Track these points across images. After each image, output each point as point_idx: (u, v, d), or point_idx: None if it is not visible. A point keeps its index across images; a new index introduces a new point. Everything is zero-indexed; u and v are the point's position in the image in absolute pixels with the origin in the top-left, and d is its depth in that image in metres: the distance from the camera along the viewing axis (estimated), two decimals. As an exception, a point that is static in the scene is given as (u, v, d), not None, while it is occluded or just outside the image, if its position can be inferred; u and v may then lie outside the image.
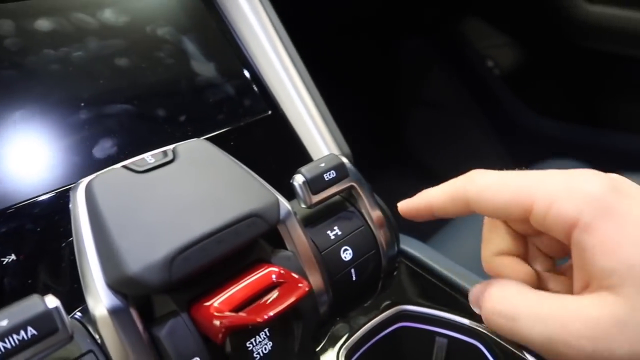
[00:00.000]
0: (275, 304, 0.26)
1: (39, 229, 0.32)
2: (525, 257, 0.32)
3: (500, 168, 0.30)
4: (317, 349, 0.34)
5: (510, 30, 1.28)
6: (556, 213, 0.25)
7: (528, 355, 0.33)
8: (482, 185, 0.28)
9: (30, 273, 0.31)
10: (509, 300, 0.27)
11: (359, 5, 1.15)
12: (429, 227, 0.47)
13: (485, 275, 0.38)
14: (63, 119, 0.37)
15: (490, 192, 0.28)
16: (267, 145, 0.44)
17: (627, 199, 0.24)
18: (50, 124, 0.36)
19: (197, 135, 0.40)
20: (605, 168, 0.31)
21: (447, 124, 1.39)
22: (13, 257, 0.31)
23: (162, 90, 0.42)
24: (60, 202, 0.34)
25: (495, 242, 0.32)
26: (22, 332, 0.23)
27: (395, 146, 1.42)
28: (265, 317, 0.25)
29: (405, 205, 0.34)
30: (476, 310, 0.30)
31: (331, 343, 0.34)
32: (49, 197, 0.34)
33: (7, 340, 0.22)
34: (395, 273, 0.41)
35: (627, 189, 0.25)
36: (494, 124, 1.30)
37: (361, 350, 0.35)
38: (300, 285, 0.27)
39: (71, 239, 0.32)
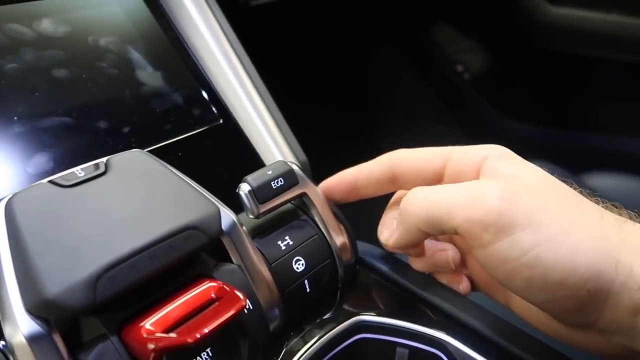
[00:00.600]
0: (208, 322, 0.24)
1: (-38, 253, 0.30)
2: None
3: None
4: (270, 367, 0.32)
5: (477, 34, 1.29)
6: (471, 155, 0.33)
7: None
8: (410, 149, 0.36)
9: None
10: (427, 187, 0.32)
11: (324, 14, 1.15)
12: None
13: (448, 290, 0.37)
14: (-7, 134, 0.35)
15: (416, 152, 0.36)
16: (219, 156, 0.43)
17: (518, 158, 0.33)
18: (-21, 140, 0.34)
19: (142, 146, 0.38)
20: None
21: (419, 130, 1.39)
22: None
23: (104, 101, 0.40)
24: (-13, 222, 0.31)
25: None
26: None
27: (366, 155, 1.41)
28: (197, 335, 0.23)
29: (327, 181, 0.38)
30: (389, 240, 0.35)
31: (285, 357, 0.32)
32: (-26, 218, 0.31)
33: None
34: (354, 283, 0.39)
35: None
36: (465, 129, 1.31)
37: (317, 366, 0.33)
38: (236, 299, 0.25)
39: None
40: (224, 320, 0.24)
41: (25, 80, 0.38)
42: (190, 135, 0.42)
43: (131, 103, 0.41)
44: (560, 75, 1.17)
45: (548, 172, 0.32)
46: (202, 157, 0.42)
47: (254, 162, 0.44)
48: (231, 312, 0.24)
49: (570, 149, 1.11)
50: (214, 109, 0.45)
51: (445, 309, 0.35)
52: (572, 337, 0.30)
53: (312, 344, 0.33)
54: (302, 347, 0.33)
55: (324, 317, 0.36)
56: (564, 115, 1.20)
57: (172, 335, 0.23)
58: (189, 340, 0.23)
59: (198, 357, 0.27)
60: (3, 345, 0.26)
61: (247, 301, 0.28)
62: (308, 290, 0.35)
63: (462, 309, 0.35)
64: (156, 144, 0.40)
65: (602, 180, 0.95)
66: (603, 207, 0.31)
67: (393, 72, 1.43)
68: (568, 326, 0.30)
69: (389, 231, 0.35)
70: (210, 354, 0.27)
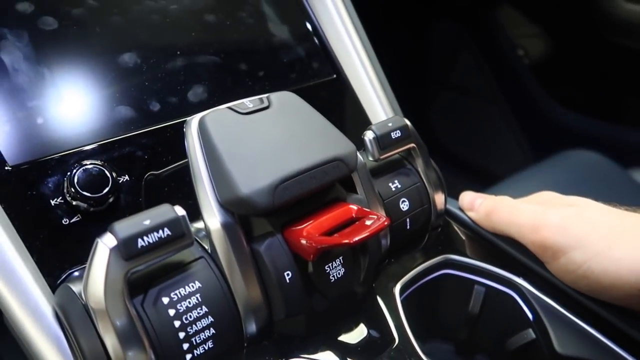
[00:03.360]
0: (361, 231, 0.30)
1: (146, 157, 0.37)
2: None
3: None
4: (375, 283, 0.39)
5: (543, 20, 1.31)
6: None
7: (561, 309, 0.38)
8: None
9: (138, 192, 0.36)
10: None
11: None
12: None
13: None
14: (163, 64, 0.41)
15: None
16: (331, 106, 0.49)
17: None
18: (153, 69, 0.41)
19: (272, 90, 0.44)
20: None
21: (472, 109, 1.42)
22: (127, 177, 0.36)
23: (244, 46, 0.46)
24: (162, 136, 0.38)
25: None
26: (161, 232, 0.27)
27: (417, 128, 1.45)
28: (356, 239, 0.29)
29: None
30: (469, 211, 0.44)
31: (388, 279, 0.39)
32: (152, 130, 0.38)
33: (150, 236, 0.27)
34: (439, 230, 0.45)
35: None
36: (518, 113, 1.34)
37: (411, 289, 0.40)
38: (380, 218, 0.32)
39: (170, 167, 0.37)
40: (374, 231, 0.30)
41: (184, 21, 0.44)
42: (310, 85, 0.48)
43: (264, 51, 0.47)
44: (621, 70, 1.18)
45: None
46: (318, 105, 0.48)
47: (360, 115, 0.50)
48: (378, 227, 0.31)
49: (622, 143, 1.13)
50: (329, 64, 0.50)
51: (522, 260, 0.41)
52: None
53: (409, 271, 0.40)
54: (401, 272, 0.40)
55: (416, 253, 0.42)
56: (619, 111, 1.22)
57: (335, 236, 0.30)
58: (348, 241, 0.29)
59: (333, 262, 0.34)
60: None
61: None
62: (408, 227, 0.41)
63: (537, 261, 0.41)
64: (283, 89, 0.46)
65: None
66: None
67: (453, 49, 1.45)
68: None
69: (470, 202, 0.45)
70: (342, 262, 0.34)
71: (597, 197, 0.41)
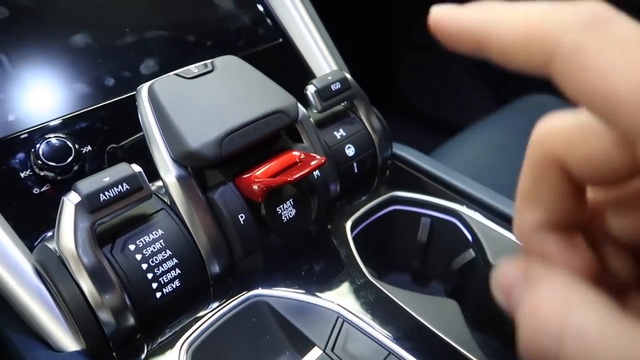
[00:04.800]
0: (300, 170, 0.34)
1: (105, 128, 0.40)
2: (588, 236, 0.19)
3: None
4: (329, 223, 0.43)
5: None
6: None
7: (496, 227, 0.42)
8: None
9: (101, 160, 0.39)
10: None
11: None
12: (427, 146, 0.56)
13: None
14: (114, 42, 0.44)
15: None
16: (280, 69, 0.52)
17: None
18: (105, 47, 0.44)
19: (221, 58, 0.47)
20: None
21: (436, 66, 1.45)
22: (89, 147, 0.39)
23: (190, 19, 0.49)
24: (119, 108, 0.41)
25: (541, 202, 0.18)
26: (120, 187, 0.31)
27: (384, 88, 1.49)
28: (296, 176, 0.33)
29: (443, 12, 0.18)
30: (503, 301, 0.18)
31: (340, 217, 0.43)
32: (110, 103, 0.41)
33: (110, 191, 0.31)
34: (387, 172, 0.49)
35: None
36: (479, 65, 1.37)
37: (362, 225, 0.44)
38: (318, 158, 0.35)
39: (130, 139, 0.40)
40: (312, 168, 0.34)
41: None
42: (257, 51, 0.51)
43: (211, 21, 0.50)
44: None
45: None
46: (267, 69, 0.51)
47: (308, 75, 0.53)
48: (316, 163, 0.34)
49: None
50: (275, 30, 0.53)
51: (461, 188, 0.46)
52: None
53: (359, 209, 0.44)
54: (351, 210, 0.44)
55: (366, 194, 0.46)
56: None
57: (277, 177, 0.34)
58: (289, 178, 0.33)
59: (284, 204, 0.37)
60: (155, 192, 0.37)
61: (317, 170, 0.39)
62: (356, 171, 0.45)
63: (475, 188, 0.45)
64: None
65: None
66: None
67: (412, 7, 1.48)
68: None
69: (506, 295, 0.18)
70: (292, 203, 0.38)
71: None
